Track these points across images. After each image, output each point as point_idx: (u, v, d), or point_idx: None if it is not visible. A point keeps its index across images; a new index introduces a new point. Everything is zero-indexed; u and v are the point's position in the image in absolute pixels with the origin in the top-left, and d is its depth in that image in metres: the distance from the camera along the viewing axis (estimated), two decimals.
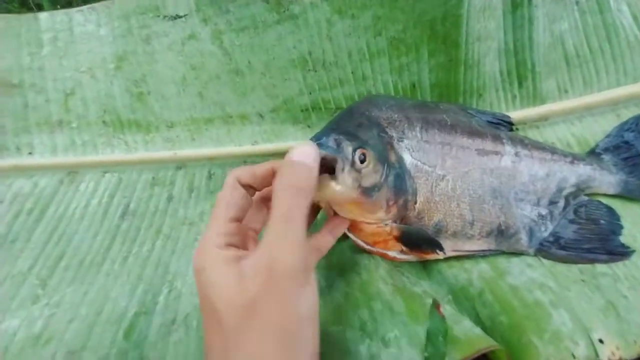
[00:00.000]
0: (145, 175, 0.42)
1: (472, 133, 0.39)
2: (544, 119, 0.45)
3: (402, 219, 0.34)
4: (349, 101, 0.45)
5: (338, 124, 0.35)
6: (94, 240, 0.37)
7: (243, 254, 0.24)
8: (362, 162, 0.30)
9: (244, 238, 0.27)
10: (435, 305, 0.30)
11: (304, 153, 0.27)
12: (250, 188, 0.28)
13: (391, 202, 0.32)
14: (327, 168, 0.29)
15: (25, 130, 0.43)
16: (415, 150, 0.36)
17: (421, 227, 0.35)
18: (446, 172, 0.36)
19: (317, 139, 0.30)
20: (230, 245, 0.25)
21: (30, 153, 0.42)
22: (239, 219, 0.27)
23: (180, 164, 0.43)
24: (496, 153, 0.38)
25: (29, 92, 0.44)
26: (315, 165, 0.26)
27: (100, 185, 0.41)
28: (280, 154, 0.44)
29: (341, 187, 0.29)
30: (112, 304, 0.33)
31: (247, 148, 0.44)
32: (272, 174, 0.28)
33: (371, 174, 0.31)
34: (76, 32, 0.45)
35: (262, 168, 0.28)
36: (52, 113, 0.44)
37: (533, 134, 0.45)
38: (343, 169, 0.29)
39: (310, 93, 0.44)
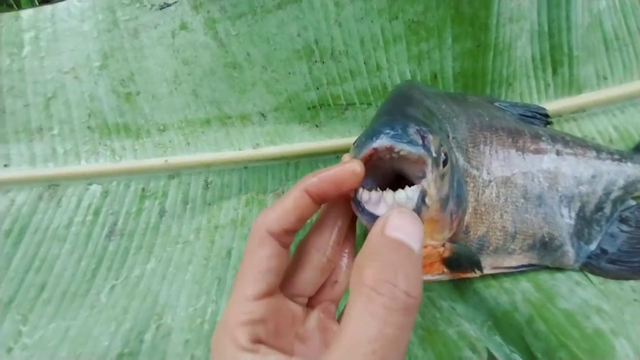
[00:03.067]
0: (134, 187, 0.35)
1: (511, 131, 0.31)
2: (581, 110, 0.37)
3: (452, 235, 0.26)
4: (362, 96, 0.37)
5: (401, 109, 0.24)
6: (78, 267, 0.30)
7: None
8: (444, 164, 0.21)
9: (281, 323, 0.18)
10: None
11: (408, 227, 0.16)
12: (285, 235, 0.19)
13: (454, 216, 0.24)
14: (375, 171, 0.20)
15: (1, 140, 0.36)
16: (464, 151, 0.28)
17: (466, 243, 0.27)
18: (492, 177, 0.28)
19: (387, 127, 0.19)
20: (258, 341, 0.16)
21: (6, 165, 0.35)
22: (270, 292, 0.18)
23: (174, 173, 0.36)
24: (537, 153, 0.31)
25: (7, 97, 0.37)
26: (421, 251, 0.16)
27: (84, 200, 0.34)
28: (286, 158, 0.38)
29: (429, 200, 0.20)
30: (93, 343, 0.26)
31: (248, 152, 0.36)
32: (311, 201, 0.19)
33: (447, 180, 0.22)
34: (59, 29, 0.37)
35: (292, 198, 0.19)
36: (32, 119, 0.37)
37: (570, 128, 0.37)
38: (432, 172, 0.20)
39: (318, 88, 0.36)
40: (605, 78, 0.38)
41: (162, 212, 0.33)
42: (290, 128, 0.37)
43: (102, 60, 0.37)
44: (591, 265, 0.30)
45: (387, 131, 0.19)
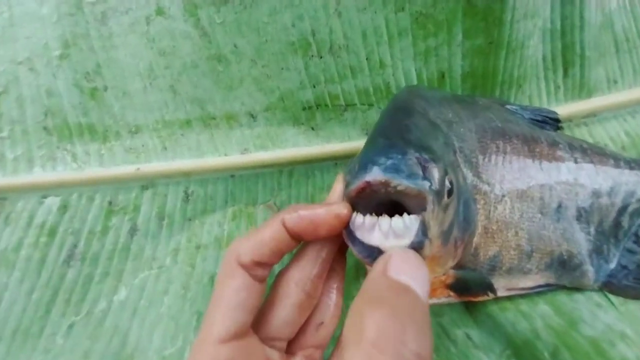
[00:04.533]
0: (100, 200, 0.29)
1: (526, 138, 0.28)
2: (592, 114, 0.35)
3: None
4: (363, 96, 0.33)
5: (400, 129, 0.21)
6: (29, 300, 0.25)
7: None
8: (449, 194, 0.18)
9: None
10: None
11: (413, 270, 0.14)
12: (256, 267, 0.16)
13: (459, 243, 0.21)
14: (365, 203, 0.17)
15: None
16: (473, 165, 0.24)
17: (475, 265, 0.24)
18: (505, 191, 0.25)
19: (382, 156, 0.17)
20: None
21: None
22: (239, 333, 0.15)
23: (147, 183, 0.31)
24: (555, 162, 0.28)
25: None
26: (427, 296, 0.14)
27: (37, 217, 0.28)
28: (278, 165, 0.33)
29: (431, 240, 0.17)
30: None
31: (235, 158, 0.32)
32: (290, 236, 0.17)
33: (451, 209, 0.19)
34: (15, 13, 0.31)
35: (270, 229, 0.16)
36: None
37: (581, 133, 0.35)
38: (433, 211, 0.17)
39: (314, 86, 0.32)
40: (615, 82, 0.36)
41: (133, 231, 0.28)
42: (283, 131, 0.33)
43: (63, 49, 0.31)
44: (612, 285, 0.27)
45: (382, 162, 0.16)
